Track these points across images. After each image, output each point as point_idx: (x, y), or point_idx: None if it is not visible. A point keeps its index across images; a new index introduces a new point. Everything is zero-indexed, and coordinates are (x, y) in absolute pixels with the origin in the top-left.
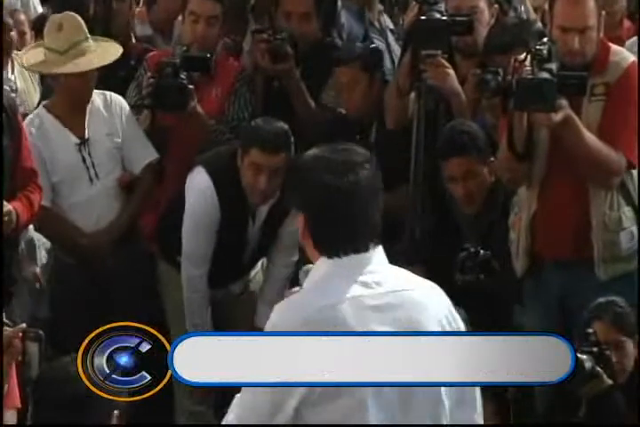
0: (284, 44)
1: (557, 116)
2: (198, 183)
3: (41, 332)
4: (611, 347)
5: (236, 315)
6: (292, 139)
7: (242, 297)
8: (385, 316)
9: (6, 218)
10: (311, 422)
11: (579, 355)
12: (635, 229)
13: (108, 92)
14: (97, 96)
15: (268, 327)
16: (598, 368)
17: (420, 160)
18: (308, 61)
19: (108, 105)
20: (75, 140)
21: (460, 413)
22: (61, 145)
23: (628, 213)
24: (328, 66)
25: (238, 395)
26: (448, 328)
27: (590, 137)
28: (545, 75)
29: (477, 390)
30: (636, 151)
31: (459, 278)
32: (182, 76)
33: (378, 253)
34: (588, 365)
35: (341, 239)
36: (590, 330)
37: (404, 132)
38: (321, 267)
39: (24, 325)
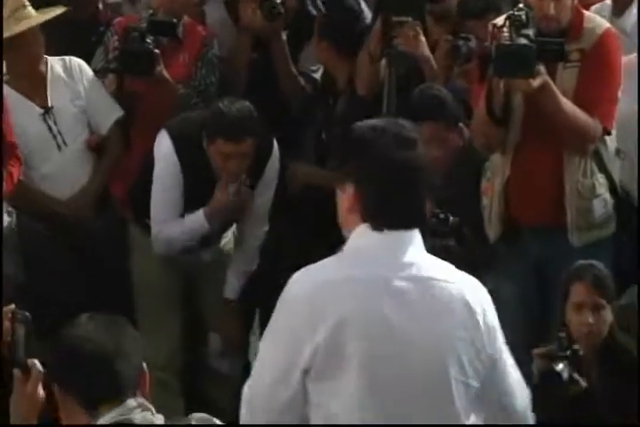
0: (277, 3)
1: (535, 82)
2: (161, 148)
3: (27, 314)
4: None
5: (206, 283)
6: (256, 114)
7: (212, 266)
8: (397, 299)
9: None
10: (314, 399)
11: (555, 367)
12: (608, 196)
13: (67, 57)
14: (56, 63)
15: (284, 291)
16: (575, 375)
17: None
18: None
19: (68, 70)
20: (38, 110)
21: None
22: (26, 117)
23: (601, 179)
24: (306, 35)
25: None
26: (479, 321)
27: (567, 103)
28: (523, 41)
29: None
30: (612, 117)
31: (433, 244)
32: (149, 41)
33: (418, 236)
34: (565, 375)
35: (395, 214)
36: (562, 334)
37: (375, 99)
38: (361, 237)
39: (13, 305)
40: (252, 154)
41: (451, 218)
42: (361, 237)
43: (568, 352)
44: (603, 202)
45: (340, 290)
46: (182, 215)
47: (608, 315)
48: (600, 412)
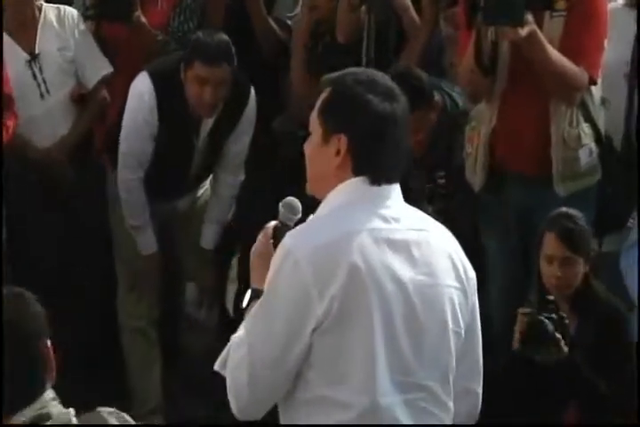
0: None
1: (523, 31)
2: (139, 86)
3: None
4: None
5: (182, 233)
6: (234, 49)
7: (188, 215)
8: (400, 252)
9: None
10: (318, 350)
11: (542, 318)
12: (593, 145)
13: (62, 6)
14: (50, 10)
15: (279, 250)
16: (558, 335)
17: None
18: None
19: (61, 19)
20: (25, 56)
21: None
22: (12, 61)
23: (586, 129)
24: None
25: (247, 321)
26: (460, 270)
27: (554, 52)
28: None
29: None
30: (598, 67)
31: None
32: None
33: (398, 188)
34: (549, 329)
35: (390, 168)
36: (550, 297)
37: (354, 47)
38: (349, 192)
39: None
40: (228, 83)
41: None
42: (354, 191)
43: (554, 315)
44: (588, 151)
45: (345, 245)
46: (152, 157)
47: (579, 267)
48: (580, 363)
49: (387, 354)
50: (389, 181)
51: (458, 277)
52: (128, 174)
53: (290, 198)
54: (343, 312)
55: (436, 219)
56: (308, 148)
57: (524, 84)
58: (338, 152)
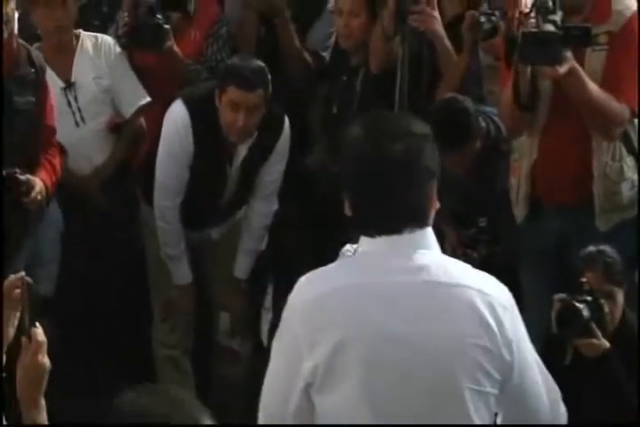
0: None
1: (562, 69)
2: (175, 113)
3: (30, 280)
4: (603, 297)
5: (215, 262)
6: (269, 76)
7: (221, 244)
8: (403, 308)
9: (39, 197)
10: (319, 409)
11: (576, 303)
12: (636, 177)
13: (99, 35)
14: (88, 39)
15: (292, 291)
16: (593, 324)
17: (404, 104)
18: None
19: (97, 48)
20: (60, 83)
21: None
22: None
23: (629, 162)
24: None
25: None
26: (491, 326)
27: (594, 88)
28: (550, 27)
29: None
30: (638, 100)
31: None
32: (159, 16)
33: (415, 238)
34: (585, 313)
35: (371, 216)
36: (584, 279)
37: (388, 77)
38: (362, 243)
39: (23, 273)
40: (262, 109)
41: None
42: (362, 243)
43: (589, 297)
44: (630, 184)
45: (340, 301)
46: (188, 184)
47: (620, 299)
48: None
49: (378, 417)
50: (384, 232)
51: (482, 336)
52: (164, 202)
53: (347, 246)
54: (329, 375)
55: (481, 265)
56: None
57: (566, 118)
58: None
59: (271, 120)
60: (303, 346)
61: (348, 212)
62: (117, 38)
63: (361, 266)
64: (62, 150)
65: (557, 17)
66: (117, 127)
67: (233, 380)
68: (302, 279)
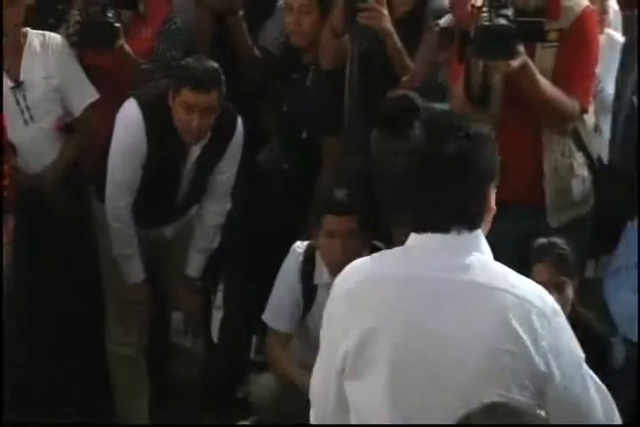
0: None
1: (515, 63)
2: (127, 112)
3: None
4: (551, 289)
5: (168, 261)
6: (223, 77)
7: (174, 243)
8: (438, 306)
9: None
10: (350, 399)
11: None
12: (586, 173)
13: (47, 33)
14: (35, 37)
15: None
16: None
17: (354, 101)
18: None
19: (45, 46)
20: (9, 83)
21: None
22: None
23: (579, 159)
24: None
25: None
26: (519, 333)
27: (546, 83)
28: (503, 21)
29: None
30: (589, 96)
31: None
32: (110, 15)
33: (469, 241)
34: None
35: (422, 214)
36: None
37: (339, 74)
38: (411, 236)
39: None
40: (216, 110)
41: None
42: (410, 237)
43: None
44: (581, 180)
45: (376, 290)
46: (141, 183)
47: (569, 292)
48: None
49: (402, 412)
50: (434, 231)
51: (514, 342)
52: (117, 202)
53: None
54: (358, 363)
55: None
56: None
57: (516, 115)
58: None
59: (224, 120)
60: (340, 330)
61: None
62: (68, 37)
63: (403, 259)
64: (13, 149)
65: (509, 11)
66: (67, 126)
67: (186, 378)
68: (348, 267)
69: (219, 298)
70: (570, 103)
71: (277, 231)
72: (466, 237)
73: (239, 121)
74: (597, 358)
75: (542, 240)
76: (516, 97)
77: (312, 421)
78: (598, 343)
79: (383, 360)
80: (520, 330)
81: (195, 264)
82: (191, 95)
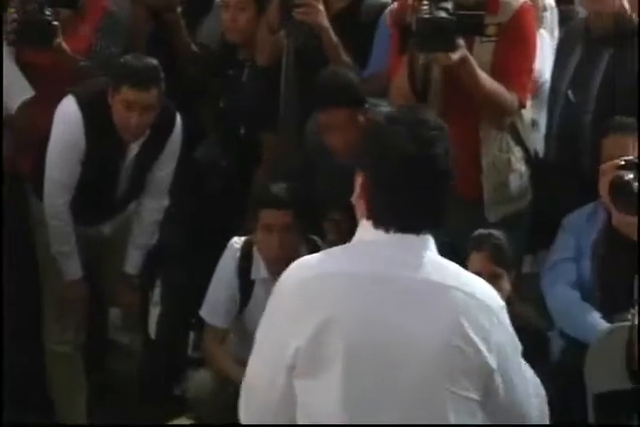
0: None
1: (455, 56)
2: (65, 109)
3: None
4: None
5: (106, 258)
6: (163, 74)
7: (112, 240)
8: (392, 303)
9: None
10: (299, 398)
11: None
12: (524, 168)
13: None
14: None
15: (281, 276)
16: None
17: (291, 97)
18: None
19: None
20: None
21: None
22: None
23: (517, 153)
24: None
25: None
26: (467, 329)
27: (485, 77)
28: (443, 14)
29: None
30: (527, 90)
31: None
32: (47, 13)
33: (426, 241)
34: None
35: (398, 214)
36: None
37: (275, 70)
38: (361, 231)
39: None
40: (155, 108)
41: None
42: (363, 231)
43: None
44: (519, 175)
45: (329, 286)
46: (80, 180)
47: (505, 284)
48: None
49: (357, 409)
50: (400, 231)
51: (465, 338)
52: (55, 199)
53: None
54: (310, 364)
55: None
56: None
57: (455, 110)
58: (359, 187)
59: (163, 117)
60: (290, 325)
61: (357, 199)
62: (5, 35)
63: (357, 255)
64: None
65: (449, 4)
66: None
67: (124, 374)
68: (295, 264)
69: (156, 294)
70: (509, 97)
71: (215, 228)
72: (426, 238)
73: (178, 118)
74: (534, 351)
75: (481, 231)
76: (455, 92)
77: (244, 412)
78: (535, 337)
79: (337, 358)
80: (470, 327)
81: (133, 261)
82: (130, 93)
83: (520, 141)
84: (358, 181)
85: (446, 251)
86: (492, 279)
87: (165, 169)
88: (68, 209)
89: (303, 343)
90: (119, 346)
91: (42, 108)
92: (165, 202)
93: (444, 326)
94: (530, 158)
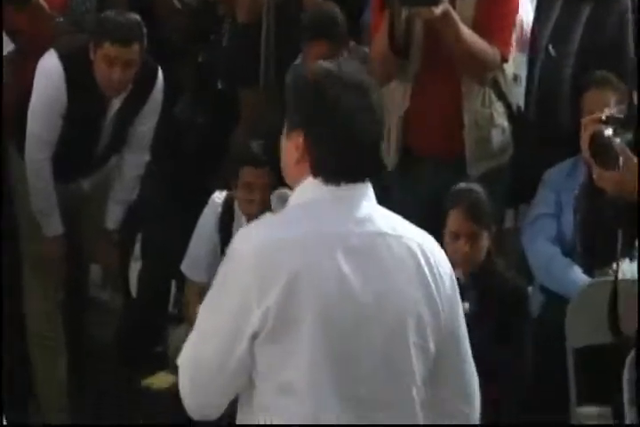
0: None
1: (438, 10)
2: (47, 64)
3: None
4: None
5: (86, 213)
6: (145, 30)
7: (93, 195)
8: (353, 257)
9: None
10: (263, 359)
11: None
12: (506, 123)
13: None
14: None
15: (228, 249)
16: None
17: (270, 55)
18: None
19: None
20: None
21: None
22: None
23: (499, 108)
24: None
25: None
26: (429, 280)
27: (467, 32)
28: None
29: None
30: (510, 45)
31: None
32: None
33: (370, 189)
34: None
35: (347, 165)
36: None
37: (255, 28)
38: (309, 191)
39: None
40: (137, 63)
41: None
42: (312, 191)
43: None
44: (501, 130)
45: (293, 248)
46: (61, 135)
47: (484, 242)
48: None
49: (331, 367)
50: (351, 181)
51: (425, 289)
52: (36, 155)
53: (281, 191)
54: (281, 323)
55: None
56: (281, 138)
57: (437, 66)
58: (297, 147)
59: (145, 72)
60: (253, 294)
61: (296, 160)
62: None
63: (310, 215)
64: None
65: None
66: None
67: (105, 333)
68: (245, 229)
69: (137, 249)
70: (491, 52)
71: (194, 184)
72: (366, 186)
73: (160, 73)
74: (512, 307)
75: (461, 185)
76: (437, 47)
77: (188, 385)
78: (513, 293)
79: (307, 316)
80: (432, 276)
81: (113, 216)
82: (113, 49)
83: (502, 96)
84: (294, 143)
85: (431, 209)
86: (471, 237)
87: (147, 124)
88: (49, 165)
89: (273, 304)
90: (99, 303)
91: (21, 66)
92: (146, 157)
93: (405, 277)
94: (512, 113)
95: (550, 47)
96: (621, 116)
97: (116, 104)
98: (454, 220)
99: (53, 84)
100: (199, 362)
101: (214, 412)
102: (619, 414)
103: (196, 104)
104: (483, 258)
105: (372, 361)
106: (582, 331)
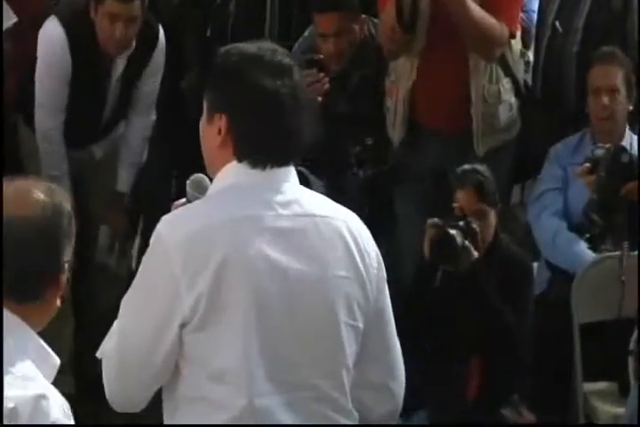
0: None
1: None
2: (49, 30)
3: None
4: (473, 217)
5: (96, 178)
6: None
7: (103, 160)
8: (282, 240)
9: None
10: (192, 346)
11: (449, 230)
12: (513, 99)
13: None
14: None
15: (152, 238)
16: (467, 242)
17: (274, 27)
18: None
19: None
20: None
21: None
22: None
23: (506, 84)
24: None
25: (121, 307)
26: (357, 260)
27: (475, 7)
28: None
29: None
30: (517, 20)
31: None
32: None
33: (294, 171)
34: (458, 240)
35: (271, 149)
36: (455, 204)
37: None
38: (233, 175)
39: None
40: (139, 20)
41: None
42: (236, 175)
43: (461, 222)
44: (508, 106)
45: (220, 234)
46: (69, 101)
47: (492, 220)
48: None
49: (263, 352)
50: (277, 165)
51: (354, 268)
52: (47, 123)
53: (197, 176)
54: (212, 309)
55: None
56: (200, 125)
57: (444, 41)
58: (220, 132)
59: (146, 31)
60: (182, 282)
61: (218, 145)
62: None
63: (237, 199)
64: None
65: None
66: None
67: (109, 301)
68: (169, 216)
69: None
70: (498, 28)
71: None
72: (289, 169)
73: (161, 32)
74: (517, 283)
75: (466, 166)
76: (444, 23)
77: (114, 373)
78: (518, 269)
79: (239, 304)
80: (359, 255)
81: (124, 179)
82: (115, 5)
83: (509, 72)
84: (216, 126)
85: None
86: (478, 216)
87: (151, 84)
88: (60, 132)
89: (204, 290)
90: (106, 268)
91: (26, 36)
92: (152, 118)
93: (334, 258)
94: (519, 89)
95: (557, 23)
96: None
97: (119, 66)
98: (461, 199)
99: (55, 50)
100: (126, 354)
101: (140, 403)
102: (624, 389)
103: (203, 79)
104: (491, 237)
105: (304, 344)
106: (588, 307)
